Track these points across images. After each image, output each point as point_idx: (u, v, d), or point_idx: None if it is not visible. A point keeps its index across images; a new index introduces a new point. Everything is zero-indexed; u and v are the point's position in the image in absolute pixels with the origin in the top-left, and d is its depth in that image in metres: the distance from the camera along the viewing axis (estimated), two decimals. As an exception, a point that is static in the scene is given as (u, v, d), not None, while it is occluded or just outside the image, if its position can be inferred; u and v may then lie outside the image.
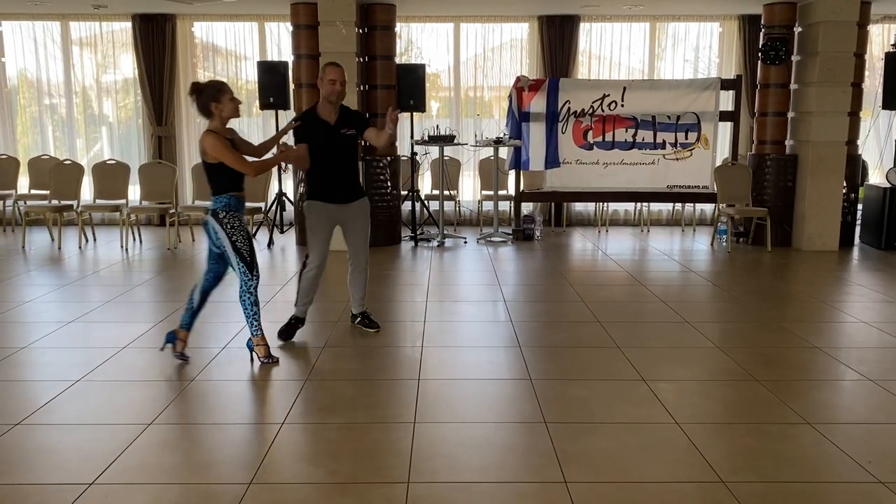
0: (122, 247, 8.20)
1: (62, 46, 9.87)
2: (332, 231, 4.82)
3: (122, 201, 8.50)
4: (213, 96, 4.00)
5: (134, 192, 8.68)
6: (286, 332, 4.79)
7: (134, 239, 8.64)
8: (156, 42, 9.52)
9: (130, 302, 5.84)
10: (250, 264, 4.18)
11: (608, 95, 8.79)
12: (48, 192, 8.60)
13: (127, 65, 9.95)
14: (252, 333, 4.31)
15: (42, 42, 9.86)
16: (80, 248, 8.21)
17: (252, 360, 4.34)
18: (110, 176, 8.54)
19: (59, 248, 8.15)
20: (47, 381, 4.00)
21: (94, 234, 8.89)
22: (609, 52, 9.95)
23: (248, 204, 8.25)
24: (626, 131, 8.85)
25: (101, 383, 3.99)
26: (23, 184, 9.47)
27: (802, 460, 3.11)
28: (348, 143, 4.69)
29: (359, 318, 5.04)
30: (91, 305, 5.68)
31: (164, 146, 9.73)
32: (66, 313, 5.42)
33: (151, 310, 5.66)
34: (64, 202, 8.42)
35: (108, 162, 8.74)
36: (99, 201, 8.56)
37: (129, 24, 9.58)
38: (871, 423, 3.55)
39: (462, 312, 5.46)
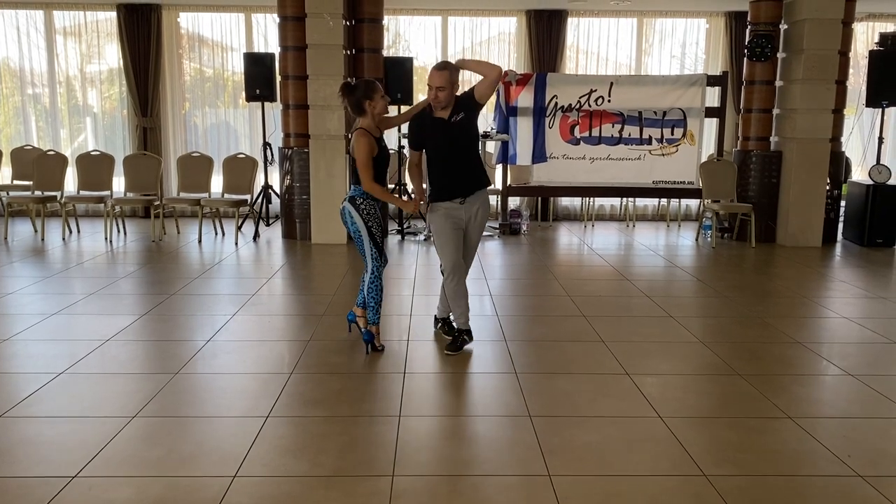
0: (106, 238, 8.14)
1: (46, 35, 9.77)
2: (460, 232, 4.42)
3: (107, 193, 8.44)
4: (365, 94, 4.16)
5: (118, 184, 8.62)
6: (452, 347, 4.46)
7: (118, 231, 8.58)
8: (141, 32, 9.45)
9: (114, 294, 5.80)
10: (380, 249, 4.37)
11: (595, 91, 8.80)
12: (31, 182, 8.52)
13: (112, 55, 9.86)
14: (372, 321, 4.41)
15: (25, 31, 9.76)
16: (63, 239, 8.14)
17: (368, 348, 4.42)
18: (95, 167, 8.47)
19: (43, 239, 8.09)
20: (30, 374, 3.97)
21: (77, 225, 8.82)
22: (596, 47, 9.97)
23: (233, 196, 8.28)
24: (613, 126, 8.88)
25: (85, 376, 3.97)
26: (5, 174, 9.38)
27: (783, 454, 3.15)
28: (461, 132, 4.30)
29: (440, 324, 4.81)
30: (75, 297, 5.64)
31: (150, 137, 9.66)
32: (50, 305, 5.38)
33: (136, 302, 5.63)
34: (47, 193, 8.35)
35: (93, 153, 8.67)
36: (83, 192, 8.49)
37: (113, 14, 9.50)
38: (851, 417, 3.59)
39: (448, 306, 5.46)
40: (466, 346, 4.48)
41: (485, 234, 8.63)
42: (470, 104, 4.28)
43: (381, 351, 4.43)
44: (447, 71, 4.16)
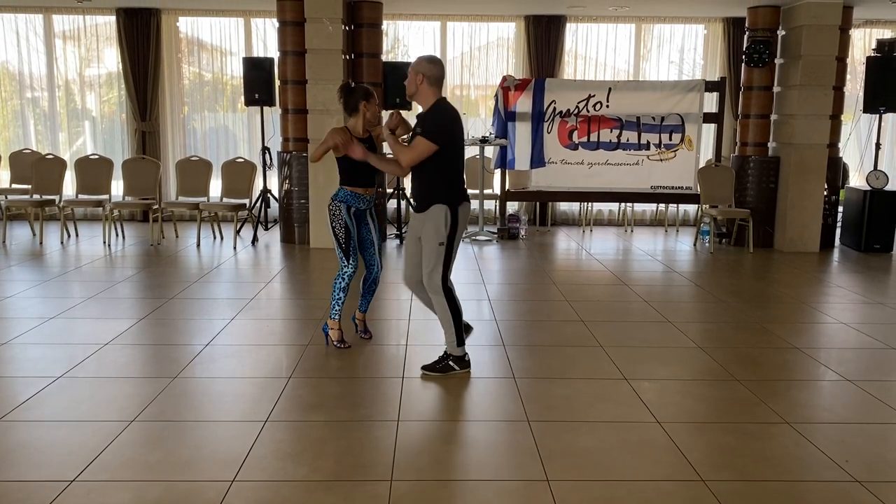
0: (104, 242, 8.13)
1: (45, 39, 9.77)
2: (417, 245, 4.15)
3: (105, 197, 8.43)
4: (364, 96, 4.38)
5: (117, 188, 8.62)
6: (431, 367, 4.20)
7: (117, 235, 8.58)
8: (140, 36, 9.46)
9: (113, 298, 5.80)
10: (346, 252, 4.43)
11: (594, 96, 8.83)
12: (30, 186, 8.52)
13: (111, 59, 9.87)
14: (330, 315, 4.55)
15: (24, 35, 9.76)
16: (62, 243, 8.14)
17: (326, 342, 4.62)
18: (93, 171, 8.47)
19: (41, 243, 8.08)
20: (28, 378, 3.97)
21: (76, 229, 8.82)
22: (595, 52, 10.00)
23: (231, 200, 8.28)
24: (611, 132, 8.89)
25: (83, 380, 3.97)
26: (3, 178, 9.37)
27: (781, 459, 3.15)
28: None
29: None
30: (73, 301, 5.64)
31: (148, 141, 9.66)
32: (48, 309, 5.38)
33: (134, 306, 5.63)
34: (46, 197, 8.34)
35: (91, 157, 8.67)
36: (81, 196, 8.49)
37: (112, 18, 9.50)
38: (848, 422, 3.60)
39: (446, 311, 5.46)
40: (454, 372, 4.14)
41: (483, 238, 8.70)
42: (429, 129, 3.93)
43: (340, 348, 4.52)
44: (414, 61, 4.11)
